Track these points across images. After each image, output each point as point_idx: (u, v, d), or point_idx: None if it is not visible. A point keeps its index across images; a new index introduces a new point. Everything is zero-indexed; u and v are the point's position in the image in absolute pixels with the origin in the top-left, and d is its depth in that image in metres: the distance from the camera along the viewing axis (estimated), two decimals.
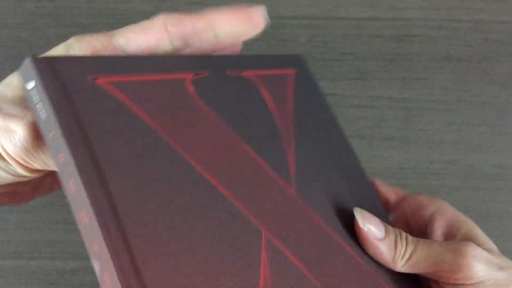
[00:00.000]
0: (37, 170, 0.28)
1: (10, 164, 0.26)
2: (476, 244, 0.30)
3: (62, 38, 0.48)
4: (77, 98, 0.25)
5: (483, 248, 0.30)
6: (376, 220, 0.30)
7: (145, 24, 0.29)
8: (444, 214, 0.33)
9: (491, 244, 0.32)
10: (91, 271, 0.48)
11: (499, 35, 0.47)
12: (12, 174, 0.27)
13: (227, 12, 0.29)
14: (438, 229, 0.33)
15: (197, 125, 0.28)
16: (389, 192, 0.36)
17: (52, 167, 0.27)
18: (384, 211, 0.34)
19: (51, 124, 0.24)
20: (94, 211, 0.23)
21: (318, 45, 0.47)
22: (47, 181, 0.33)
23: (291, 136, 0.33)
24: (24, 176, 0.28)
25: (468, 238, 0.32)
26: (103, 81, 0.26)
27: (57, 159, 0.24)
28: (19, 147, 0.25)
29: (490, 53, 0.47)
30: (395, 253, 0.29)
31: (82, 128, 0.24)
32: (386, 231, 0.30)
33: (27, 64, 0.25)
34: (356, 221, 0.30)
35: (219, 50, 0.31)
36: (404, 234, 0.30)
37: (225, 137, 0.29)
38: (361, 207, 0.31)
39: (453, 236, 0.32)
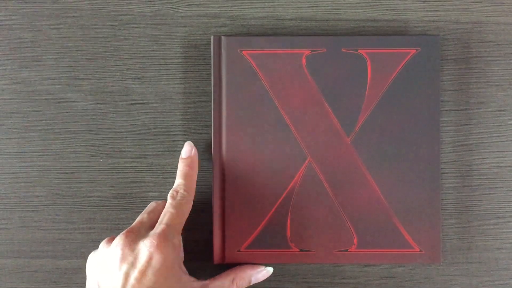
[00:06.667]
0: None
1: None
2: None
3: (64, 39, 0.49)
4: (230, 59, 0.45)
5: None
6: None
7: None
8: None
9: None
10: None
11: (496, 37, 0.47)
12: None
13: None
14: None
15: (297, 88, 0.45)
16: None
17: None
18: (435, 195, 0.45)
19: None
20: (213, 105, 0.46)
21: None
22: None
23: (373, 104, 0.45)
24: None
25: None
26: (245, 52, 0.45)
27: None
28: None
29: (487, 54, 0.47)
30: None
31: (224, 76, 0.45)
32: None
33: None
34: None
35: None
36: None
37: (313, 97, 0.45)
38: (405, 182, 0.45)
39: None
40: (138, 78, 0.48)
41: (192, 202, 0.43)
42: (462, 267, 0.47)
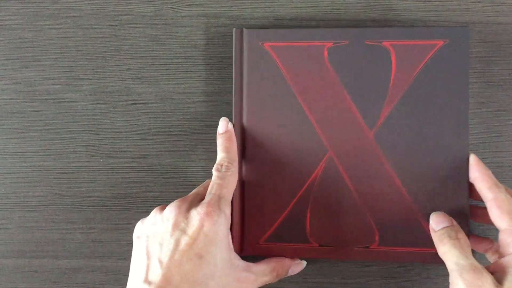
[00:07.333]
0: None
1: None
2: None
3: (64, 39, 0.49)
4: (251, 52, 0.45)
5: None
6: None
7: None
8: None
9: None
10: (93, 269, 0.49)
11: (496, 37, 0.47)
12: None
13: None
14: None
15: (318, 81, 0.44)
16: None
17: None
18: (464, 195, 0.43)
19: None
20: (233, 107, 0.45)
21: None
22: None
23: (397, 97, 0.44)
24: None
25: None
26: (267, 45, 0.45)
27: None
28: None
29: (488, 55, 0.47)
30: None
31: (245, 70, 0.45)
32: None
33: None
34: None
35: None
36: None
37: (334, 90, 0.44)
38: (435, 177, 0.43)
39: None
40: (138, 78, 0.48)
41: (237, 174, 0.44)
42: None
